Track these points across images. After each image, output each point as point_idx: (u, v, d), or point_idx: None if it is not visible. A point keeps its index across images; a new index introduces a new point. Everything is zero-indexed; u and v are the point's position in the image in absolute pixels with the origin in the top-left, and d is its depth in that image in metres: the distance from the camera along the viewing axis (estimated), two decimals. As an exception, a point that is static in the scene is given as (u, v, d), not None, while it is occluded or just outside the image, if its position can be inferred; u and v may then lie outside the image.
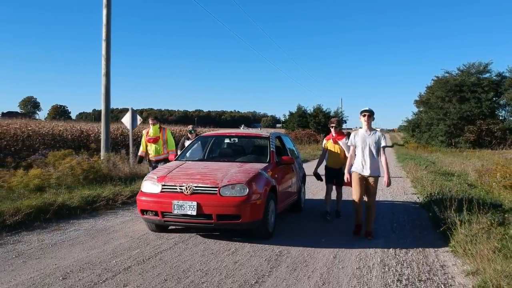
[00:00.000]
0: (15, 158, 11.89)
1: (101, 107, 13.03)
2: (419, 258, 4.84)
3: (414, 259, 4.80)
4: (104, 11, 12.57)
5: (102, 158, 11.98)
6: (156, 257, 4.66)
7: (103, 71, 12.66)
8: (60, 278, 3.95)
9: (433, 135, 38.31)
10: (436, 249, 5.24)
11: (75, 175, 9.52)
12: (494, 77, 36.54)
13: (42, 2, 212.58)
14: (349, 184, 6.02)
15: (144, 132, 8.94)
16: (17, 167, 10.38)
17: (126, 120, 13.11)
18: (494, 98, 36.18)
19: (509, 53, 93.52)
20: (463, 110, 35.21)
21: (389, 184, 5.67)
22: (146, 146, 8.77)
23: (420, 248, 5.26)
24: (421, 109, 42.69)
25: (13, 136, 14.48)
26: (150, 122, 8.77)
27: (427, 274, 4.30)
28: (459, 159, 21.53)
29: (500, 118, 37.11)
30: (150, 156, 8.74)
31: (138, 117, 13.12)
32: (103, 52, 12.61)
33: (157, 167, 8.04)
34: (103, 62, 12.66)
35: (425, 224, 6.75)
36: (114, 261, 4.47)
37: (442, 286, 3.99)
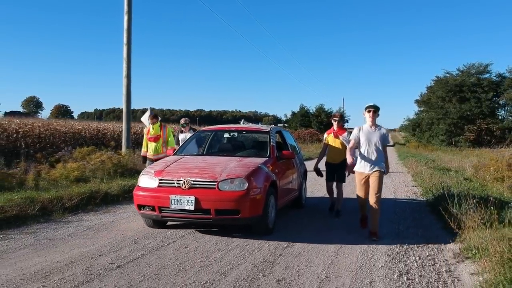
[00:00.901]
0: (44, 154, 12.96)
1: (123, 106, 14.04)
2: (418, 232, 5.91)
3: (414, 233, 5.88)
4: (125, 17, 13.59)
5: (124, 154, 13.08)
6: (203, 229, 5.74)
7: (124, 73, 13.68)
8: (132, 242, 5.03)
9: (433, 134, 39.43)
10: (432, 226, 6.32)
11: (105, 169, 10.59)
12: (494, 78, 37.68)
13: (44, 2, 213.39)
14: (351, 169, 6.03)
15: (145, 130, 8.86)
16: (46, 162, 11.47)
17: (145, 119, 14.11)
18: (493, 98, 37.33)
19: (509, 54, 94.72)
20: (463, 109, 36.33)
21: (386, 172, 5.68)
22: (147, 144, 8.69)
23: (418, 226, 6.33)
24: (422, 108, 43.81)
25: (37, 134, 15.52)
26: (150, 121, 8.65)
27: (424, 242, 5.36)
28: (459, 157, 22.60)
29: (500, 117, 38.26)
30: (148, 154, 8.62)
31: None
32: (124, 55, 13.62)
33: None
34: (124, 65, 13.67)
35: (423, 209, 7.83)
36: (169, 232, 5.55)
37: (436, 250, 5.05)
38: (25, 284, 3.62)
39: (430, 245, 5.27)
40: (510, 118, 37.40)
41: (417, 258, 4.68)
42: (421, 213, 7.46)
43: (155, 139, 8.51)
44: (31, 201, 6.54)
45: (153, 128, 8.55)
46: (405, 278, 4.01)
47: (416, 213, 7.47)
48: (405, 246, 5.15)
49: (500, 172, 11.02)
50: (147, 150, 8.71)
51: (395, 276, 4.06)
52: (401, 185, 11.53)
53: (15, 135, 14.65)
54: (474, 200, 6.13)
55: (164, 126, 8.67)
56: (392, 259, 4.61)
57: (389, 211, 7.48)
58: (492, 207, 5.62)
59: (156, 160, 7.94)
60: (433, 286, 3.81)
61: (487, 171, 11.85)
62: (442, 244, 5.30)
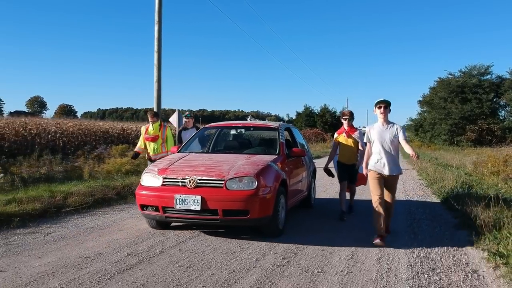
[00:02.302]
0: (84, 152, 14.56)
1: (154, 108, 15.59)
2: (425, 211, 7.50)
3: (422, 212, 7.46)
4: (156, 27, 15.13)
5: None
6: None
7: (155, 78, 15.22)
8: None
9: (436, 134, 41.05)
10: (436, 208, 7.93)
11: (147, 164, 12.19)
12: (495, 79, 39.36)
13: (47, 2, 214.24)
14: (363, 182, 6.59)
15: (143, 128, 8.49)
16: (88, 158, 13.08)
17: (173, 119, 15.65)
18: (494, 99, 38.96)
19: (509, 54, 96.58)
20: (464, 110, 37.95)
21: (417, 156, 5.14)
22: (145, 143, 8.33)
23: (426, 207, 7.93)
24: (425, 109, 45.43)
25: (71, 133, 17.11)
26: (150, 119, 8.27)
27: (431, 218, 6.95)
28: (460, 155, 24.22)
29: (500, 118, 39.91)
30: (149, 154, 8.28)
31: (183, 117, 15.70)
32: (155, 62, 15.16)
33: None
34: (155, 71, 15.20)
35: (429, 196, 9.42)
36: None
37: (440, 222, 6.62)
38: (152, 238, 5.21)
39: (437, 218, 6.88)
40: (510, 118, 38.99)
41: (426, 227, 6.26)
42: (427, 198, 9.07)
43: (153, 139, 8.15)
44: (107, 188, 8.14)
45: (152, 127, 8.19)
46: (418, 237, 5.60)
47: (424, 198, 9.07)
48: (417, 219, 6.76)
49: (497, 167, 12.63)
50: (142, 147, 8.38)
51: (412, 236, 5.65)
52: (408, 178, 13.13)
53: (53, 133, 16.25)
54: (468, 186, 7.74)
55: (164, 126, 8.36)
56: (408, 227, 6.20)
57: (400, 198, 9.07)
58: (484, 189, 7.20)
59: (155, 160, 7.73)
60: (439, 241, 5.38)
61: (485, 166, 13.46)
62: (445, 219, 6.89)
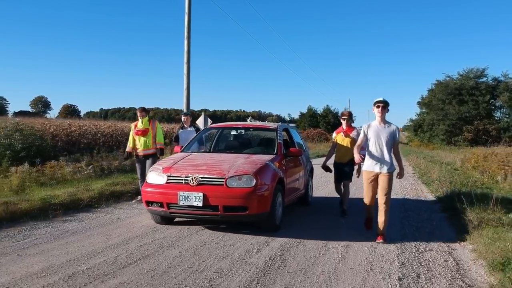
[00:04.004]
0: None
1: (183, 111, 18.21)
2: (415, 193, 10.23)
3: (412, 193, 10.20)
4: (185, 42, 17.73)
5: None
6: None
7: (184, 86, 17.85)
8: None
9: (434, 134, 43.94)
10: (424, 190, 10.66)
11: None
12: (491, 81, 42.28)
13: (50, 2, 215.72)
14: (360, 171, 6.86)
15: (132, 125, 8.63)
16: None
17: (199, 122, 18.30)
18: (490, 101, 41.88)
19: (505, 56, 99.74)
20: (462, 111, 40.86)
21: (401, 176, 5.83)
22: (134, 141, 8.46)
23: (416, 191, 10.66)
24: (423, 110, 48.33)
25: (107, 134, 19.81)
26: (139, 114, 8.41)
27: (418, 196, 9.67)
28: (454, 154, 27.00)
29: (496, 118, 42.81)
30: (138, 150, 8.38)
31: (209, 120, 18.36)
32: (185, 71, 17.77)
33: (145, 162, 8.19)
34: (185, 80, 17.80)
35: (419, 184, 12.17)
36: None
37: (424, 200, 9.34)
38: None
39: (421, 199, 9.61)
40: (505, 119, 41.91)
41: (413, 202, 8.98)
42: (417, 186, 11.83)
43: (143, 132, 8.28)
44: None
45: (142, 122, 8.37)
46: (405, 206, 8.32)
47: (414, 186, 11.81)
48: (405, 198, 9.48)
49: (478, 163, 15.41)
50: (132, 146, 8.54)
51: (402, 214, 8.31)
52: (404, 173, 15.87)
53: (93, 134, 18.95)
54: (449, 177, 10.45)
55: (153, 121, 8.57)
56: (401, 205, 8.89)
57: (396, 186, 11.78)
58: (462, 179, 9.94)
59: (145, 155, 8.23)
60: (420, 209, 8.09)
61: (469, 162, 16.24)
62: (428, 198, 9.63)
